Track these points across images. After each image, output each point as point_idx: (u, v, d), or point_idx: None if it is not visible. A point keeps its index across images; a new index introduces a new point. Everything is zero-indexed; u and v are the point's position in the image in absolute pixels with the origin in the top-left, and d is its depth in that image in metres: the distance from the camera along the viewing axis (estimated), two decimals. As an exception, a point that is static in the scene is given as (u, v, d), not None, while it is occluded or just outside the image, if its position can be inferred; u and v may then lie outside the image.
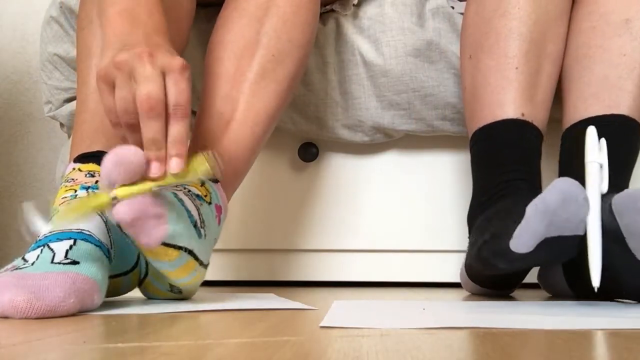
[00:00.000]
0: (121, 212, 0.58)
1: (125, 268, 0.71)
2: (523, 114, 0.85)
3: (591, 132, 0.78)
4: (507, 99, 0.86)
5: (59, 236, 0.63)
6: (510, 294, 0.94)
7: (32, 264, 0.60)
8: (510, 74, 0.86)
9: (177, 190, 0.70)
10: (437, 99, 1.09)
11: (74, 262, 0.61)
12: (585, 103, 0.86)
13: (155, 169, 0.61)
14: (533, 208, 0.70)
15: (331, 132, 1.14)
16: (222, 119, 0.78)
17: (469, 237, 0.88)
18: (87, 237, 0.64)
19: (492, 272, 0.81)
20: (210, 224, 0.71)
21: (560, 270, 0.84)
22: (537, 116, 0.87)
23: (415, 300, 0.82)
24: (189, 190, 0.71)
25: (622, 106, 0.84)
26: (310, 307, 0.66)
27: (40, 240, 0.64)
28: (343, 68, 1.11)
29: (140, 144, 0.62)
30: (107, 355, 0.38)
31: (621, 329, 0.49)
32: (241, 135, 0.79)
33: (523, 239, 0.70)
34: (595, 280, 0.70)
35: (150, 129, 0.61)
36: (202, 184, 0.73)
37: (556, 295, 0.88)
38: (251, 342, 0.43)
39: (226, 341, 0.43)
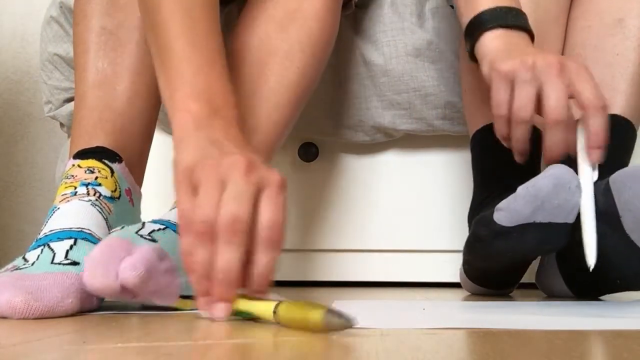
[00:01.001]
0: (132, 277, 0.55)
1: None
2: None
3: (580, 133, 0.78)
4: None
5: (60, 235, 0.63)
6: (510, 294, 0.94)
7: (32, 264, 0.60)
8: None
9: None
10: (438, 98, 1.09)
11: (74, 263, 0.60)
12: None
13: (217, 310, 0.53)
14: (524, 190, 0.71)
15: (332, 132, 1.14)
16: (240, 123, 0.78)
17: None
18: (87, 237, 0.64)
19: (477, 250, 0.81)
20: None
21: (557, 269, 0.84)
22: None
23: (415, 300, 0.82)
24: None
25: (615, 106, 0.84)
26: (310, 307, 0.66)
27: (40, 238, 0.64)
28: (343, 68, 1.11)
29: (206, 261, 0.52)
30: (107, 356, 0.38)
31: (621, 329, 0.49)
32: (258, 143, 0.77)
33: (506, 212, 0.72)
34: (591, 258, 0.69)
35: (225, 255, 0.52)
36: None
37: (554, 295, 0.88)
38: (251, 342, 0.43)
39: (226, 341, 0.43)
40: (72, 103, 1.17)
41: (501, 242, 0.74)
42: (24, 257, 0.62)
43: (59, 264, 0.60)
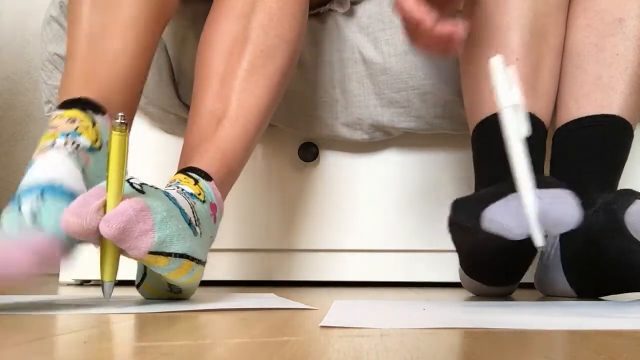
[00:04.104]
0: (105, 229, 0.57)
1: None
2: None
3: (495, 64, 0.68)
4: None
5: (29, 191, 0.64)
6: (510, 294, 0.93)
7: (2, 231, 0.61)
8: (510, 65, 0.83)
9: (169, 189, 0.69)
10: (436, 97, 1.09)
11: (39, 228, 0.61)
12: (577, 103, 0.86)
13: None
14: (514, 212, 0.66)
15: (330, 131, 1.14)
16: (214, 117, 0.79)
17: None
18: (56, 188, 0.64)
19: (462, 239, 0.78)
20: (205, 222, 0.70)
21: (561, 268, 0.84)
22: (540, 109, 0.85)
23: (415, 300, 0.82)
24: (182, 189, 0.70)
25: (613, 106, 0.84)
26: (310, 307, 0.66)
27: (13, 196, 0.64)
28: (342, 66, 1.11)
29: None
30: (107, 355, 0.38)
31: (621, 329, 0.49)
32: (234, 132, 0.79)
33: (496, 225, 0.68)
34: (539, 240, 0.64)
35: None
36: (196, 182, 0.73)
37: (554, 295, 0.88)
38: (251, 342, 0.43)
39: (226, 341, 0.43)
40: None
41: (484, 235, 0.71)
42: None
43: (27, 229, 0.61)
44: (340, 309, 0.64)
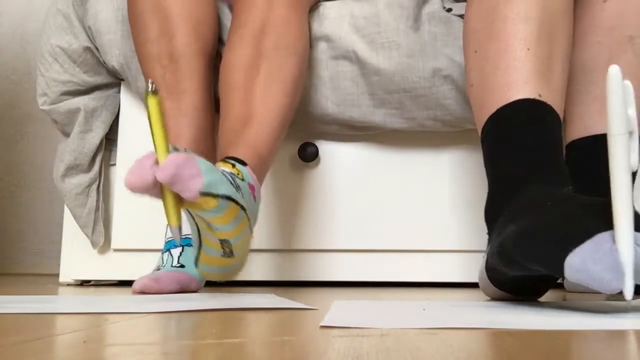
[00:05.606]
0: (160, 176, 0.67)
1: None
2: (540, 95, 0.77)
3: (615, 76, 0.53)
4: (521, 79, 0.78)
5: (174, 244, 0.98)
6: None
7: (163, 266, 0.96)
8: (522, 54, 0.79)
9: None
10: (429, 100, 1.10)
11: (182, 266, 0.95)
12: (592, 119, 0.86)
13: None
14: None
15: (324, 129, 1.16)
16: (242, 119, 0.92)
17: (488, 234, 0.79)
18: (190, 242, 0.93)
19: (510, 269, 0.68)
20: (246, 195, 0.80)
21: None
22: (556, 102, 0.79)
23: (415, 300, 0.82)
24: (222, 170, 0.81)
25: None
26: (310, 307, 0.66)
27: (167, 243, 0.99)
28: (336, 65, 1.12)
29: None
30: (106, 355, 0.38)
31: (621, 329, 0.49)
32: (260, 128, 0.91)
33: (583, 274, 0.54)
34: (629, 294, 0.53)
35: None
36: (233, 165, 0.84)
37: (585, 291, 0.85)
38: (251, 342, 0.43)
39: (226, 341, 0.43)
40: (72, 101, 1.18)
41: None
42: (162, 258, 0.98)
43: (173, 266, 0.96)
44: (340, 309, 0.64)
